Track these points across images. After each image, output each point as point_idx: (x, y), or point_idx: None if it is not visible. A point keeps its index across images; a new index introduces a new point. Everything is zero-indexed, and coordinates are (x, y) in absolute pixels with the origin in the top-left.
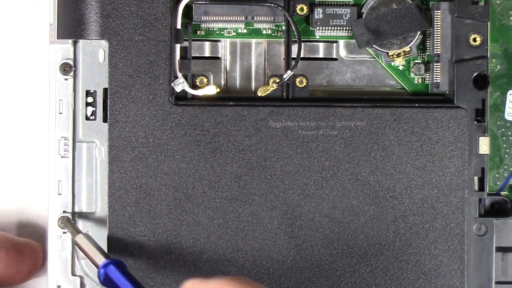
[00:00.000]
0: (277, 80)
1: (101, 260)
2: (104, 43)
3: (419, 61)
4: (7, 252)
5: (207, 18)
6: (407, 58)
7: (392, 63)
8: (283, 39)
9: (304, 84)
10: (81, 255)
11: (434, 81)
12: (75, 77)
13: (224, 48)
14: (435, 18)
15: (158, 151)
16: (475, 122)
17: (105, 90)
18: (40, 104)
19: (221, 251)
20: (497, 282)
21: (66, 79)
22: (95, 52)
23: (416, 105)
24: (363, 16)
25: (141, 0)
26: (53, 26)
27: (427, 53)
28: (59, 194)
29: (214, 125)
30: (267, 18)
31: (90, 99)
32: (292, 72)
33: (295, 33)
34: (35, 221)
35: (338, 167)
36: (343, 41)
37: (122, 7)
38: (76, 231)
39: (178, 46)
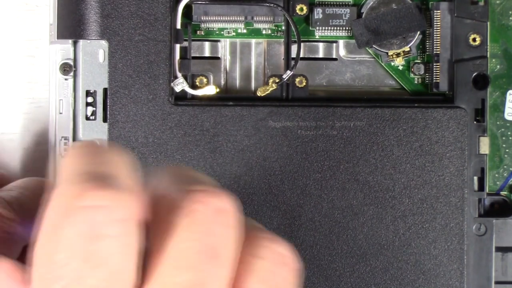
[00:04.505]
0: (277, 80)
1: None
2: (104, 43)
3: (419, 61)
4: None
5: (207, 18)
6: (406, 58)
7: (392, 63)
8: (283, 39)
9: (304, 84)
10: None
11: (434, 81)
12: (75, 77)
13: (224, 48)
14: (435, 18)
15: (157, 151)
16: (475, 122)
17: (105, 90)
18: (40, 104)
19: None
20: (497, 282)
21: (66, 79)
22: (95, 52)
23: (416, 105)
24: (363, 16)
25: (141, 0)
26: (53, 26)
27: (427, 53)
28: None
29: (213, 125)
30: (267, 18)
31: (90, 99)
32: (292, 72)
33: (295, 33)
34: None
35: (337, 167)
36: (343, 41)
37: (122, 7)
38: None
39: (177, 46)
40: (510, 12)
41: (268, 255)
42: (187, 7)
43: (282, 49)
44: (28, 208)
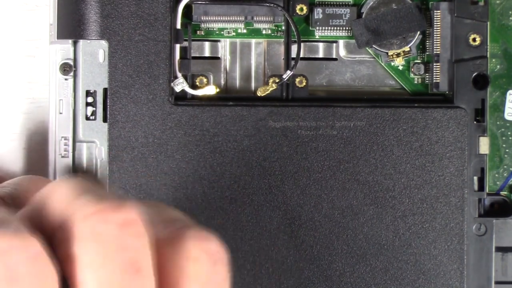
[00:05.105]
0: (277, 80)
1: None
2: (104, 43)
3: (419, 61)
4: None
5: (207, 18)
6: (406, 58)
7: (392, 63)
8: (283, 39)
9: (304, 84)
10: None
11: (434, 81)
12: (75, 77)
13: (224, 48)
14: (435, 18)
15: (157, 151)
16: (475, 122)
17: (105, 90)
18: (40, 104)
19: None
20: (497, 282)
21: (66, 79)
22: (95, 52)
23: (416, 105)
24: (363, 16)
25: (141, 0)
26: (53, 26)
27: (427, 53)
28: None
29: (213, 125)
30: (267, 18)
31: (90, 99)
32: (292, 72)
33: (295, 33)
34: None
35: (337, 167)
36: (343, 41)
37: (122, 7)
38: None
39: (177, 46)
40: (510, 12)
41: (202, 256)
42: (187, 7)
43: (282, 49)
44: (22, 203)
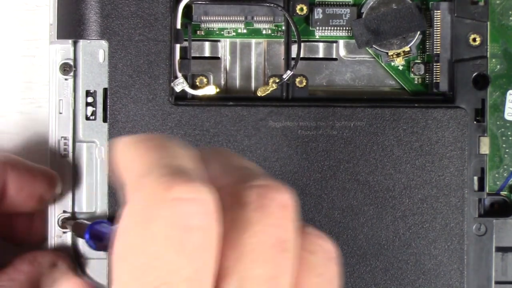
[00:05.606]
0: (277, 80)
1: None
2: (104, 43)
3: (419, 61)
4: (19, 175)
5: (207, 18)
6: (406, 58)
7: (392, 63)
8: (283, 39)
9: (304, 84)
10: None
11: (434, 81)
12: (75, 77)
13: (224, 48)
14: (435, 18)
15: None
16: (475, 122)
17: (105, 90)
18: (40, 104)
19: None
20: (497, 282)
21: (66, 79)
22: (95, 52)
23: (416, 105)
24: (363, 16)
25: (141, 0)
26: (53, 26)
27: (427, 53)
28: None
29: (214, 125)
30: (267, 18)
31: (90, 99)
32: (292, 72)
33: (295, 33)
34: None
35: (337, 167)
36: (343, 41)
37: (122, 7)
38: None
39: (178, 46)
40: (510, 12)
41: (319, 251)
42: (187, 7)
43: (282, 49)
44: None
